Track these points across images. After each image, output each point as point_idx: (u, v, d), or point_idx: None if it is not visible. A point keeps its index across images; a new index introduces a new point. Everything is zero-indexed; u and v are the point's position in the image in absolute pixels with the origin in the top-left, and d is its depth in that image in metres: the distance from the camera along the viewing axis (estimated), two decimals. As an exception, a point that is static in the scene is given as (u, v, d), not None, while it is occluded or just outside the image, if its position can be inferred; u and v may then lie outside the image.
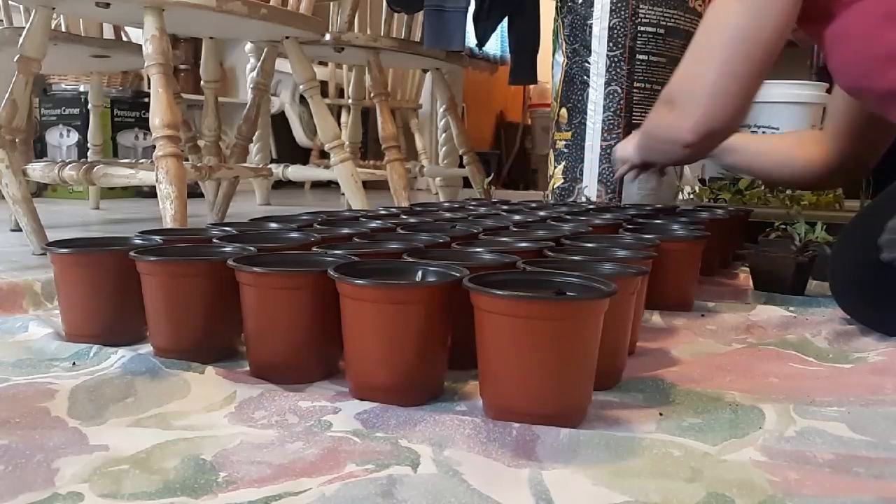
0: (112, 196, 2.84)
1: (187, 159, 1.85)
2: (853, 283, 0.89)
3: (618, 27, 1.68)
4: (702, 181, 1.88)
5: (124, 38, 1.98)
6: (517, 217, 1.19)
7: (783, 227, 1.29)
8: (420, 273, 0.68)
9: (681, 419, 0.59)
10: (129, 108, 2.96)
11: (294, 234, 0.91)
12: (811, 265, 1.12)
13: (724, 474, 0.49)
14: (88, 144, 2.35)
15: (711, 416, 0.60)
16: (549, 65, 1.89)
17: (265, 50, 1.73)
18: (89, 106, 2.32)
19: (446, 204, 1.50)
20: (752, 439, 0.55)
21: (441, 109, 2.54)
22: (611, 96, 1.70)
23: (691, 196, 1.80)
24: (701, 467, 0.50)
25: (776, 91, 1.85)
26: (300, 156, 3.42)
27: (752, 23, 0.92)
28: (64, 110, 2.89)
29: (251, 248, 0.77)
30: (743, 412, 0.60)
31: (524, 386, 0.56)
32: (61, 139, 2.90)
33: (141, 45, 1.27)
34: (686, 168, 1.87)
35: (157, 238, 0.85)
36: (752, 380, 0.71)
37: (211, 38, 1.82)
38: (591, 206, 1.44)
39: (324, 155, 2.95)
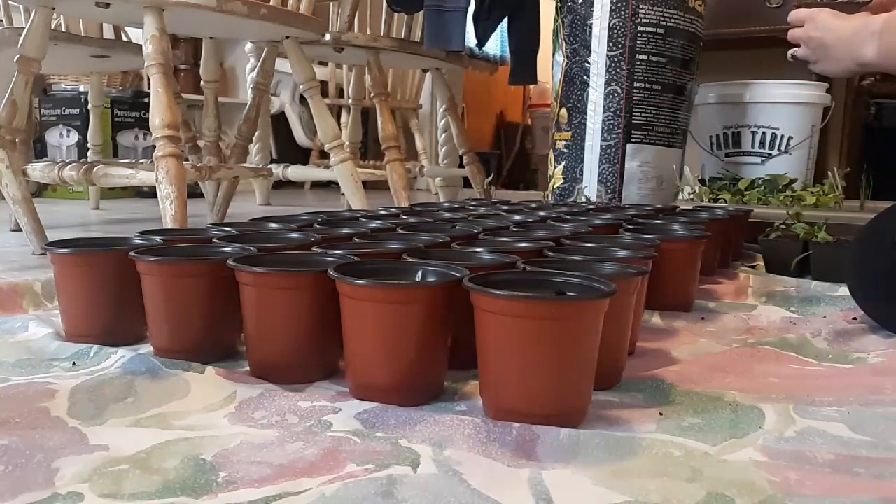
0: (112, 196, 2.83)
1: (187, 159, 1.85)
2: (874, 282, 0.89)
3: (618, 27, 1.68)
4: (702, 181, 1.88)
5: (124, 38, 1.98)
6: (517, 217, 1.19)
7: (783, 226, 1.30)
8: (420, 273, 0.68)
9: (681, 419, 0.59)
10: (129, 108, 2.96)
11: (294, 234, 0.91)
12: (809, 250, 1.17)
13: (724, 474, 0.49)
14: (88, 144, 2.34)
15: (711, 416, 0.60)
16: (549, 65, 1.89)
17: (265, 50, 1.73)
18: (89, 106, 2.32)
19: (446, 204, 1.50)
20: (752, 439, 0.55)
21: (441, 109, 2.54)
22: (611, 96, 1.71)
23: (691, 196, 1.80)
24: (701, 467, 0.50)
25: (776, 91, 1.85)
26: (300, 156, 3.41)
27: None
28: (64, 110, 2.89)
29: (251, 248, 0.77)
30: (743, 412, 0.60)
31: (524, 386, 0.56)
32: (61, 139, 2.89)
33: (141, 45, 1.27)
34: (686, 168, 1.87)
35: (157, 238, 0.85)
36: (751, 380, 0.71)
37: (211, 38, 1.82)
38: (591, 206, 1.44)
39: (324, 155, 2.95)
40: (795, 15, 1.12)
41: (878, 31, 0.95)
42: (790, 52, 1.14)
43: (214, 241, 0.86)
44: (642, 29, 1.68)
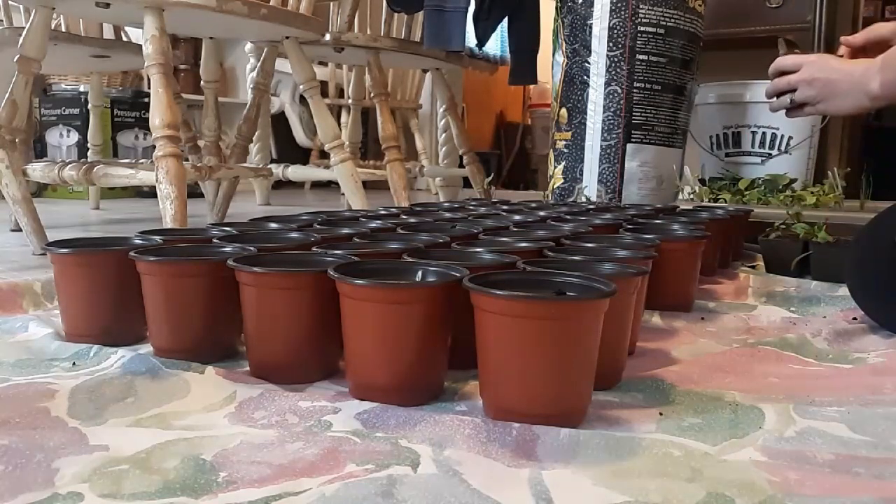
0: (112, 196, 2.84)
1: (187, 159, 1.85)
2: (874, 282, 0.89)
3: (618, 27, 1.68)
4: (702, 181, 1.88)
5: (124, 38, 1.98)
6: (517, 217, 1.19)
7: (783, 226, 1.30)
8: (420, 273, 0.68)
9: (681, 419, 0.59)
10: (129, 108, 2.96)
11: (294, 234, 0.91)
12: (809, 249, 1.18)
13: (724, 474, 0.49)
14: (88, 144, 2.34)
15: (711, 416, 0.60)
16: (549, 65, 1.89)
17: (265, 50, 1.73)
18: (89, 106, 2.32)
19: (446, 204, 1.50)
20: (752, 439, 0.55)
21: (441, 109, 2.54)
22: (611, 96, 1.71)
23: (691, 196, 1.80)
24: (701, 467, 0.50)
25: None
26: (300, 156, 3.41)
27: None
28: (64, 110, 2.89)
29: (251, 248, 0.77)
30: (743, 412, 0.60)
31: (524, 386, 0.56)
32: (61, 139, 2.89)
33: (141, 45, 1.27)
34: (686, 168, 1.87)
35: (157, 238, 0.85)
36: (751, 380, 0.71)
37: (211, 38, 1.82)
38: (591, 206, 1.44)
39: (324, 155, 2.95)
40: (791, 60, 1.12)
41: (879, 66, 0.99)
42: (786, 97, 1.13)
43: (214, 241, 0.86)
44: (642, 29, 1.68)
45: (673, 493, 0.46)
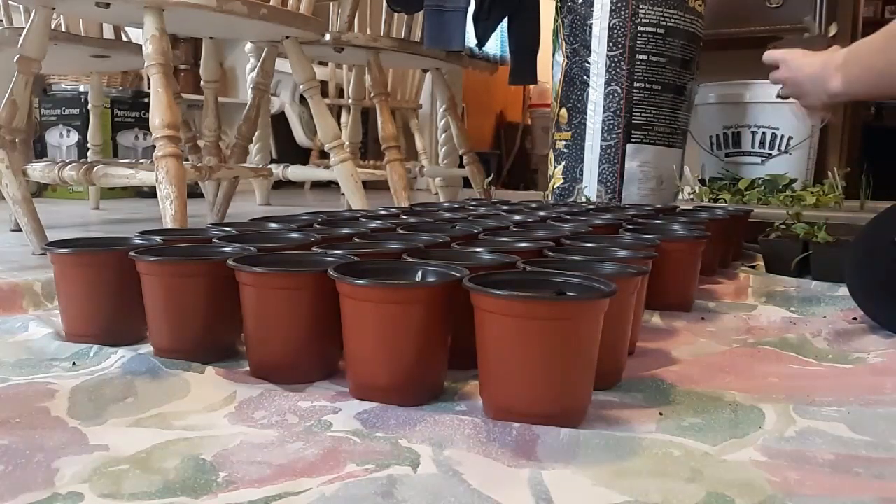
0: (112, 196, 2.84)
1: (187, 159, 1.85)
2: (874, 282, 0.89)
3: (618, 27, 1.68)
4: (702, 181, 1.88)
5: (124, 38, 1.98)
6: (517, 217, 1.19)
7: (783, 226, 1.30)
8: (420, 273, 0.68)
9: (681, 419, 0.59)
10: (129, 108, 2.96)
11: (294, 234, 0.91)
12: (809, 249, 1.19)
13: (724, 474, 0.49)
14: (88, 144, 2.34)
15: (711, 416, 0.60)
16: (549, 65, 1.89)
17: (265, 50, 1.73)
18: (89, 106, 2.32)
19: (446, 204, 1.50)
20: (752, 439, 0.55)
21: (441, 109, 2.54)
22: (611, 96, 1.70)
23: (691, 196, 1.80)
24: (701, 467, 0.50)
25: (776, 91, 1.85)
26: (300, 156, 3.41)
27: None
28: (64, 110, 2.89)
29: (251, 248, 0.77)
30: (743, 412, 0.60)
31: (524, 386, 0.56)
32: (61, 139, 2.89)
33: (141, 45, 1.27)
34: (686, 168, 1.87)
35: (157, 238, 0.85)
36: (751, 380, 0.71)
37: (211, 38, 1.82)
38: (591, 206, 1.44)
39: (324, 155, 2.95)
40: (770, 56, 1.16)
41: (840, 63, 0.99)
42: (778, 90, 1.19)
43: (214, 241, 0.86)
44: (642, 29, 1.68)
45: (673, 493, 0.46)
